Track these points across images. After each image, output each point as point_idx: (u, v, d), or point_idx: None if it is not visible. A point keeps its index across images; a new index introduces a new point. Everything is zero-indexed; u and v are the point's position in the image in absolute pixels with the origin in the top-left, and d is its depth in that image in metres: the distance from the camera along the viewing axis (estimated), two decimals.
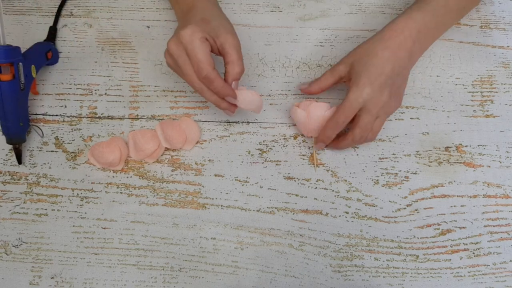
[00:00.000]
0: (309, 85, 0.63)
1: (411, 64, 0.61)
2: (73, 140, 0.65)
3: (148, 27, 0.72)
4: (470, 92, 0.67)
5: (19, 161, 0.63)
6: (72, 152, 0.64)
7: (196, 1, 0.60)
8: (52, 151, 0.64)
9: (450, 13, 0.64)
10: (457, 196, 0.62)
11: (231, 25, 0.60)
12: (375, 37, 0.60)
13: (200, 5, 0.60)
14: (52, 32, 0.70)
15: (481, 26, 0.71)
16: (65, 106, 0.67)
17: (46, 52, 0.65)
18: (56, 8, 0.72)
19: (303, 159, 0.63)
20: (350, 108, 0.57)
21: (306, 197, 0.62)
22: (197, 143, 0.64)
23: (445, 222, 0.60)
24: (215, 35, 0.56)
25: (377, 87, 0.57)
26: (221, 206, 0.61)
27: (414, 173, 0.63)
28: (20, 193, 0.62)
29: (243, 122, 0.66)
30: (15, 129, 0.61)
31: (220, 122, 0.66)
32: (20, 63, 0.59)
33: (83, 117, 0.66)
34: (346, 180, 0.62)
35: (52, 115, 0.66)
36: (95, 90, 0.68)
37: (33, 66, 0.62)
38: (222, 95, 0.56)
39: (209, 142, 0.65)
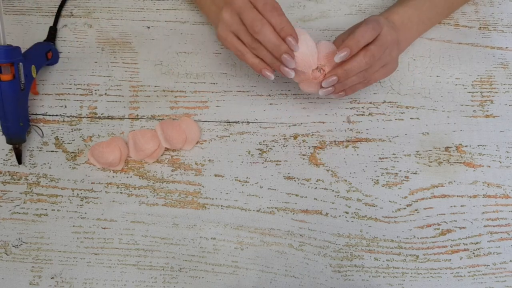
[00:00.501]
0: (333, 72, 0.56)
1: (400, 51, 0.63)
2: (73, 140, 0.65)
3: (148, 27, 0.72)
4: (470, 92, 0.67)
5: (19, 161, 0.63)
6: (72, 152, 0.64)
7: None
8: (52, 151, 0.64)
9: (436, 7, 0.65)
10: (457, 196, 0.62)
11: None
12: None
13: None
14: (52, 32, 0.70)
15: (480, 27, 0.72)
16: (65, 106, 0.67)
17: (46, 52, 0.65)
18: (56, 8, 0.72)
19: (303, 159, 0.64)
20: (384, 41, 0.56)
21: (306, 197, 0.62)
22: (197, 143, 0.64)
23: (445, 222, 0.60)
24: None
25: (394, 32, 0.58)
26: (221, 206, 0.61)
27: (414, 173, 0.63)
28: (20, 193, 0.62)
29: (243, 122, 0.66)
30: (15, 129, 0.61)
31: (220, 122, 0.66)
32: (20, 63, 0.59)
33: (83, 117, 0.66)
34: (346, 180, 0.62)
35: (52, 115, 0.66)
36: (95, 90, 0.68)
37: (33, 66, 0.62)
38: (284, 33, 0.53)
39: (209, 142, 0.65)
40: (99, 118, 0.66)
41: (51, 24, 0.71)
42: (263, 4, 0.53)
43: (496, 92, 0.67)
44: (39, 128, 0.65)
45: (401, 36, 0.62)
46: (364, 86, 0.59)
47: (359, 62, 0.55)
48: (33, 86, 0.63)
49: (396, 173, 0.63)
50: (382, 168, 0.63)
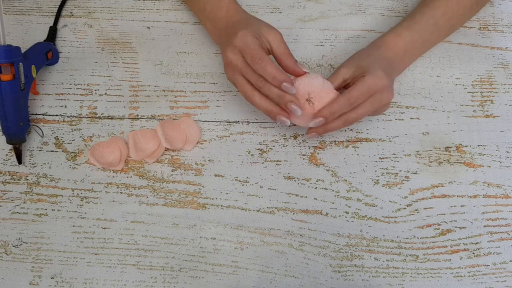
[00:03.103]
0: (321, 116, 0.56)
1: (396, 75, 0.65)
2: (73, 140, 0.65)
3: (149, 27, 0.72)
4: (470, 92, 0.67)
5: (19, 161, 0.63)
6: (72, 152, 0.64)
7: (231, 14, 0.62)
8: (52, 151, 0.64)
9: (438, 31, 0.66)
10: (457, 196, 0.62)
11: (268, 23, 0.60)
12: (370, 47, 0.63)
13: (237, 16, 0.62)
14: (52, 32, 0.70)
15: (480, 28, 0.72)
16: (65, 106, 0.67)
17: (46, 52, 0.65)
18: (56, 8, 0.72)
19: (303, 159, 0.64)
20: (367, 89, 0.56)
21: (306, 197, 0.62)
22: (197, 143, 0.64)
23: (445, 222, 0.60)
24: (260, 34, 0.57)
25: (390, 81, 0.58)
26: (221, 206, 0.61)
27: (414, 173, 0.63)
28: (20, 193, 0.62)
29: (243, 122, 0.66)
30: (15, 129, 0.61)
31: (220, 122, 0.66)
32: (21, 63, 0.59)
33: (83, 117, 0.66)
34: (346, 180, 0.62)
35: (52, 115, 0.66)
36: (95, 90, 0.68)
37: (33, 66, 0.62)
38: (277, 81, 0.55)
39: (209, 142, 0.65)
40: (99, 118, 0.66)
41: (51, 24, 0.71)
42: (251, 59, 0.55)
43: (496, 92, 0.67)
44: (39, 128, 0.65)
45: (401, 65, 0.64)
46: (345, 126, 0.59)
47: (340, 110, 0.56)
48: (33, 86, 0.64)
49: (396, 173, 0.63)
50: (382, 168, 0.63)
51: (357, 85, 0.56)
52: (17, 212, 0.61)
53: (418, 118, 0.66)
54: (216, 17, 0.63)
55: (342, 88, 0.60)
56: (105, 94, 0.67)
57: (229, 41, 0.58)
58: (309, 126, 0.58)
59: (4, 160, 0.64)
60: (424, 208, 0.61)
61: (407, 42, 0.63)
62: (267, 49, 0.58)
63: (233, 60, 0.57)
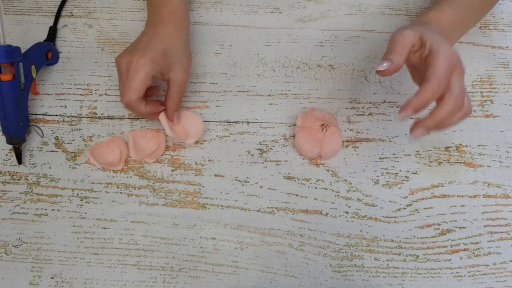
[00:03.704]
0: (392, 59, 0.50)
1: None
2: (73, 140, 0.65)
3: None
4: (470, 92, 0.67)
5: (19, 161, 0.63)
6: (72, 152, 0.64)
7: (168, 22, 0.62)
8: (52, 151, 0.64)
9: (475, 12, 0.63)
10: (457, 196, 0.62)
11: (188, 58, 0.61)
12: (416, 22, 0.57)
13: (169, 30, 0.61)
14: (52, 32, 0.70)
15: (481, 27, 0.71)
16: (65, 106, 0.67)
17: (46, 52, 0.65)
18: (56, 8, 0.72)
19: (303, 159, 0.64)
20: (448, 64, 0.48)
21: (306, 197, 0.62)
22: (196, 142, 0.64)
23: (445, 222, 0.60)
24: (167, 70, 0.59)
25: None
26: (221, 206, 0.61)
27: (414, 173, 0.63)
28: (20, 193, 0.62)
29: (243, 122, 0.66)
30: (15, 129, 0.61)
31: (220, 122, 0.66)
32: (20, 63, 0.59)
33: (83, 117, 0.66)
34: (346, 180, 0.62)
35: (52, 115, 0.66)
36: (95, 90, 0.68)
37: (33, 66, 0.62)
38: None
39: (209, 142, 0.65)
40: (99, 118, 0.66)
41: (51, 24, 0.71)
42: (124, 102, 0.59)
43: (496, 92, 0.67)
44: (39, 128, 0.65)
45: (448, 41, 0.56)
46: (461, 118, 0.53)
47: (430, 96, 0.49)
48: (33, 86, 0.63)
49: (396, 173, 0.63)
50: (382, 168, 0.63)
51: (435, 65, 0.48)
52: (17, 212, 0.61)
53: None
54: (160, 5, 0.63)
55: (407, 62, 0.53)
56: (105, 94, 0.67)
57: (136, 51, 0.58)
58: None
59: (4, 160, 0.64)
60: (424, 208, 0.61)
61: (451, 20, 0.57)
62: (165, 79, 0.60)
63: (120, 68, 0.59)
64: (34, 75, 0.62)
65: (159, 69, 0.58)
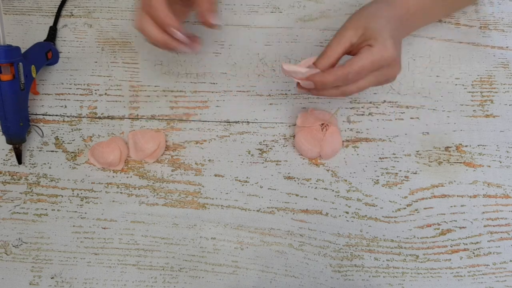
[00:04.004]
0: (316, 65, 0.52)
1: (405, 36, 0.60)
2: (73, 140, 0.65)
3: None
4: (470, 92, 0.67)
5: (19, 161, 0.63)
6: (72, 152, 0.64)
7: None
8: (52, 151, 0.64)
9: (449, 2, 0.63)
10: (457, 196, 0.62)
11: None
12: (379, 1, 0.56)
13: None
14: (52, 32, 0.70)
15: (481, 27, 0.71)
16: (65, 106, 0.67)
17: (46, 52, 0.65)
18: (56, 8, 0.72)
19: (303, 159, 0.64)
20: (372, 65, 0.50)
21: (306, 197, 0.62)
22: (196, 142, 0.64)
23: (445, 222, 0.60)
24: None
25: (399, 48, 0.53)
26: (221, 206, 0.61)
27: (414, 173, 0.63)
28: (20, 193, 0.62)
29: (243, 122, 0.66)
30: (15, 129, 0.61)
31: (220, 122, 0.66)
32: (20, 63, 0.59)
33: (83, 117, 0.66)
34: (346, 180, 0.62)
35: (52, 115, 0.66)
36: (95, 90, 0.68)
37: (33, 66, 0.62)
38: (163, 24, 0.53)
39: (209, 142, 0.65)
40: (99, 118, 0.66)
41: (51, 24, 0.71)
42: (148, 7, 0.53)
43: (496, 92, 0.67)
44: (39, 128, 0.65)
45: (412, 23, 0.58)
46: (344, 95, 0.55)
47: (333, 80, 0.51)
48: (33, 86, 0.63)
49: (396, 173, 0.63)
50: (382, 168, 0.63)
51: (361, 58, 0.50)
52: (17, 212, 0.61)
53: (418, 118, 0.66)
54: None
55: (348, 53, 0.54)
56: (105, 94, 0.67)
57: None
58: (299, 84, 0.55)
59: (4, 160, 0.64)
60: (424, 208, 0.61)
61: (418, 5, 0.56)
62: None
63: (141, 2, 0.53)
64: (34, 75, 0.62)
65: None
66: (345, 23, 0.54)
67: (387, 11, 0.54)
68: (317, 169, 0.63)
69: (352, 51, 0.54)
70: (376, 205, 0.61)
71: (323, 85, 0.52)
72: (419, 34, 0.70)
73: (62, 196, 0.62)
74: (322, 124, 0.62)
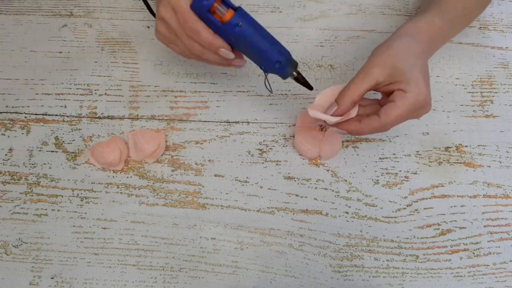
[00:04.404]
0: (338, 104, 0.52)
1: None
2: (73, 140, 0.65)
3: (148, 27, 0.72)
4: (470, 92, 0.67)
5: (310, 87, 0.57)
6: (72, 152, 0.64)
7: None
8: (52, 151, 0.64)
9: (465, 18, 0.62)
10: (457, 196, 0.62)
11: None
12: (401, 35, 0.54)
13: None
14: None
15: (480, 27, 0.72)
16: (65, 106, 0.67)
17: None
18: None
19: (303, 159, 0.64)
20: (410, 109, 0.50)
21: (306, 197, 0.62)
22: (196, 142, 0.64)
23: (445, 222, 0.60)
24: None
25: (428, 83, 0.52)
26: (221, 206, 0.61)
27: (414, 173, 0.63)
28: (20, 193, 0.62)
29: (243, 122, 0.66)
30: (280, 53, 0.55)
31: (220, 122, 0.66)
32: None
33: (83, 117, 0.66)
34: (346, 180, 0.62)
35: (52, 115, 0.66)
36: (95, 90, 0.68)
37: None
38: (214, 48, 0.53)
39: (209, 142, 0.65)
40: (99, 118, 0.66)
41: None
42: (183, 21, 0.52)
43: (496, 92, 0.67)
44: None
45: (434, 48, 0.58)
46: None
47: (369, 132, 0.52)
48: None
49: (396, 173, 0.63)
50: (382, 168, 0.63)
51: (397, 107, 0.49)
52: (17, 212, 0.61)
53: (418, 118, 0.65)
54: None
55: (373, 89, 0.53)
56: (105, 94, 0.67)
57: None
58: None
59: (4, 160, 0.64)
60: (424, 208, 0.61)
61: (439, 29, 0.55)
62: None
63: (166, 18, 0.52)
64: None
65: None
66: (370, 59, 0.52)
67: (415, 47, 0.52)
68: (317, 169, 0.63)
69: (377, 89, 0.53)
70: (376, 205, 0.61)
71: (358, 133, 0.53)
72: None
73: (62, 196, 0.62)
74: (320, 125, 0.62)
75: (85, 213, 0.61)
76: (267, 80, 0.57)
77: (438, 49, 0.60)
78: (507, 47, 0.70)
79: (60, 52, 0.70)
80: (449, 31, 0.59)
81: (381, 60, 0.51)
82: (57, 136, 0.65)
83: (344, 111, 0.52)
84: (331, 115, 0.52)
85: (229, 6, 0.52)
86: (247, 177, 0.63)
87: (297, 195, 0.62)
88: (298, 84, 0.57)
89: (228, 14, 0.52)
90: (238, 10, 0.52)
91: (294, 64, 0.56)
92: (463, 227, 0.60)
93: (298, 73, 0.56)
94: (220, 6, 0.52)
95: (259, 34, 0.53)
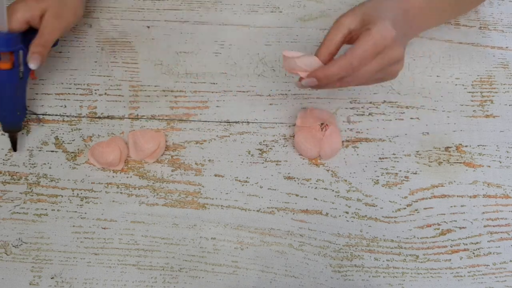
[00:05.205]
0: (316, 53, 0.52)
1: (411, 35, 0.58)
2: (73, 140, 0.65)
3: (148, 27, 0.72)
4: (470, 92, 0.67)
5: (14, 149, 0.63)
6: (72, 152, 0.64)
7: None
8: (52, 151, 0.64)
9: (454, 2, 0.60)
10: (457, 196, 0.62)
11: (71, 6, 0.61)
12: None
13: None
14: None
15: (480, 27, 0.72)
16: (65, 106, 0.67)
17: None
18: None
19: (303, 159, 0.64)
20: (372, 47, 0.48)
21: (306, 197, 0.62)
22: (196, 142, 0.64)
23: (445, 222, 0.60)
24: (42, 13, 0.58)
25: (400, 33, 0.50)
26: (221, 206, 0.61)
27: (414, 173, 0.63)
28: (20, 193, 0.62)
29: (243, 122, 0.66)
30: (12, 118, 0.60)
31: (220, 122, 0.66)
32: (21, 51, 0.58)
33: (83, 117, 0.66)
34: (346, 180, 0.62)
35: (52, 115, 0.66)
36: (95, 90, 0.68)
37: None
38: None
39: (209, 142, 0.65)
40: (99, 118, 0.66)
41: None
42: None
43: (496, 92, 0.67)
44: (36, 114, 0.65)
45: (419, 20, 0.55)
46: (349, 85, 0.54)
47: (339, 72, 0.50)
48: (31, 72, 0.62)
49: (396, 173, 0.63)
50: (382, 168, 0.63)
51: (360, 42, 0.48)
52: (17, 212, 0.61)
53: (418, 118, 0.66)
54: None
55: (347, 42, 0.53)
56: (105, 94, 0.67)
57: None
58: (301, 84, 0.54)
59: (4, 160, 0.64)
60: (424, 208, 0.61)
61: (419, 5, 0.54)
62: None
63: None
64: None
65: (33, 11, 0.57)
66: (344, 13, 0.53)
67: (388, 2, 0.53)
68: (317, 169, 0.63)
69: (351, 40, 0.52)
70: (376, 205, 0.61)
71: (327, 78, 0.50)
72: (419, 35, 0.70)
73: (62, 196, 0.62)
74: (322, 124, 0.62)
75: (85, 213, 0.61)
76: None
77: (428, 20, 0.58)
78: (507, 47, 0.70)
79: (60, 52, 0.70)
80: (432, 11, 0.57)
81: (352, 11, 0.52)
82: (57, 136, 0.65)
83: (325, 62, 0.52)
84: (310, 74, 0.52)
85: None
86: (247, 177, 0.63)
87: (297, 195, 0.62)
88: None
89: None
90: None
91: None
92: (463, 227, 0.60)
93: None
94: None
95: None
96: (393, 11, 0.52)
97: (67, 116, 0.66)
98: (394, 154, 0.64)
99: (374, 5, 0.52)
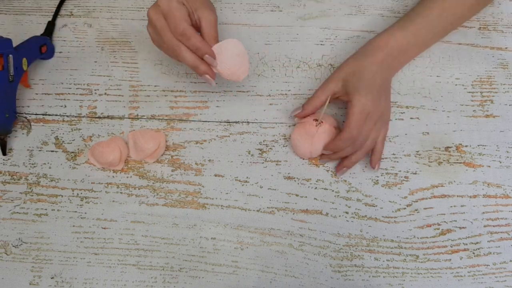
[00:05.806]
0: (303, 108, 0.61)
1: (392, 75, 0.65)
2: (73, 140, 0.65)
3: None
4: (470, 92, 0.67)
5: (3, 153, 0.63)
6: (72, 152, 0.64)
7: None
8: (52, 151, 0.64)
9: (434, 32, 0.65)
10: (457, 196, 0.62)
11: (210, 2, 0.59)
12: (359, 53, 0.62)
13: None
14: (50, 27, 0.70)
15: (480, 28, 0.71)
16: (65, 106, 0.67)
17: (40, 46, 0.65)
18: (56, 7, 0.72)
19: (303, 159, 0.64)
20: (360, 116, 0.58)
21: (306, 197, 0.62)
22: (196, 142, 0.64)
23: (445, 222, 0.60)
24: (194, 8, 0.56)
25: (376, 94, 0.59)
26: (221, 206, 0.61)
27: (414, 173, 0.63)
28: (20, 193, 0.62)
29: (243, 122, 0.66)
30: (1, 120, 0.61)
31: (220, 122, 0.66)
32: (11, 55, 0.59)
33: (83, 117, 0.66)
34: (346, 180, 0.62)
35: (52, 115, 0.66)
36: (95, 90, 0.68)
37: (24, 59, 0.62)
38: (200, 53, 0.55)
39: (209, 142, 0.65)
40: (99, 118, 0.66)
41: None
42: (174, 28, 0.54)
43: (496, 92, 0.67)
44: (27, 119, 0.65)
45: (395, 63, 0.63)
46: (363, 155, 0.61)
47: (342, 144, 0.59)
48: (24, 78, 0.63)
49: (396, 173, 0.63)
50: (382, 168, 0.63)
51: (349, 115, 0.58)
52: (17, 212, 0.61)
53: (418, 118, 0.66)
54: None
55: (332, 100, 0.62)
56: (105, 94, 0.67)
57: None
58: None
59: (4, 160, 0.64)
60: (424, 208, 0.61)
61: (401, 42, 0.61)
62: (195, 22, 0.57)
63: (153, 19, 0.55)
64: (25, 67, 0.62)
65: (186, 1, 0.56)
66: (332, 73, 0.62)
67: (366, 60, 0.60)
68: (317, 169, 0.63)
69: (338, 98, 0.62)
70: (376, 205, 0.61)
71: (337, 148, 0.59)
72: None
73: (62, 196, 0.62)
74: (317, 119, 0.61)
75: (85, 213, 0.61)
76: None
77: (409, 57, 0.66)
78: (506, 47, 0.70)
79: (60, 52, 0.70)
80: (417, 42, 0.64)
81: (337, 75, 0.61)
82: (57, 136, 0.65)
83: (307, 114, 0.61)
84: (295, 115, 0.62)
85: None
86: (247, 177, 0.63)
87: (297, 195, 0.62)
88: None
89: None
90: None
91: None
92: (463, 227, 0.60)
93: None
94: None
95: None
96: (369, 72, 0.59)
97: (67, 116, 0.66)
98: (394, 154, 0.64)
99: (353, 71, 0.60)
